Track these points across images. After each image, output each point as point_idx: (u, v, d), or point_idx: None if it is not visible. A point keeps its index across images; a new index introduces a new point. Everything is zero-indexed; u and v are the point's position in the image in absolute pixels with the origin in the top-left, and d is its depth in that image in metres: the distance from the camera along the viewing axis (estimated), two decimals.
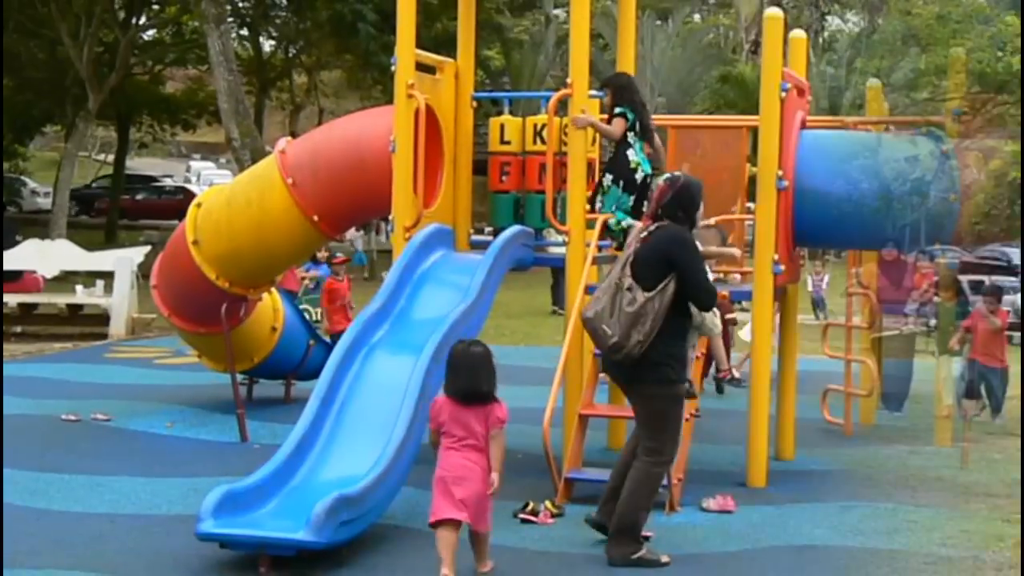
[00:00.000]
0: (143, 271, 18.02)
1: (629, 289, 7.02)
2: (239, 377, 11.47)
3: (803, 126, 9.57)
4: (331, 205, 10.35)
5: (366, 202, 10.38)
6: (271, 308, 12.10)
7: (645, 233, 7.24)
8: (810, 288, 22.76)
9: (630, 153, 9.31)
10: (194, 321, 11.48)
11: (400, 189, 9.37)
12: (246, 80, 39.67)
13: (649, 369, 7.04)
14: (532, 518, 7.91)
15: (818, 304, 22.73)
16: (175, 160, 69.97)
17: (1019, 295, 16.73)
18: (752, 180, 9.68)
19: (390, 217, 9.70)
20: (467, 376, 6.80)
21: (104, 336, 18.32)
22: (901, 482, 9.23)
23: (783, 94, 9.01)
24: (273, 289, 12.06)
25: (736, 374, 12.36)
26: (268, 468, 7.33)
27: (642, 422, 7.28)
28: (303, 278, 16.16)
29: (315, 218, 10.36)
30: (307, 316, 13.88)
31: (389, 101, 9.85)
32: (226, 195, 11.02)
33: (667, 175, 7.60)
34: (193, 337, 11.94)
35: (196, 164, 64.39)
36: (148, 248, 21.41)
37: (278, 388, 12.71)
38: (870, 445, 10.82)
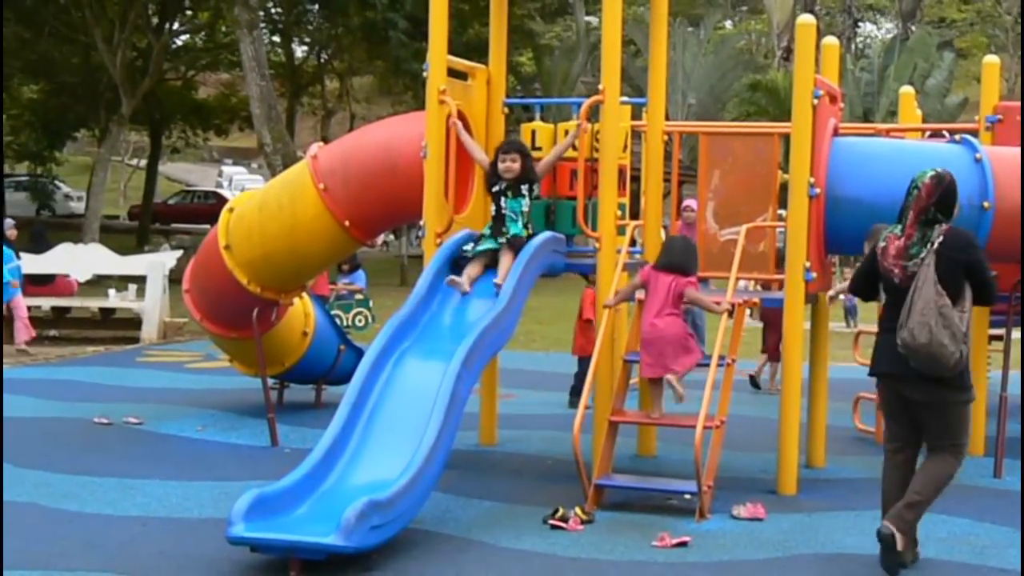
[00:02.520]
0: (175, 275, 18.11)
1: (947, 306, 6.84)
2: (270, 381, 11.50)
3: (835, 133, 9.53)
4: (362, 210, 10.37)
5: (397, 208, 10.40)
6: (302, 313, 12.14)
7: (932, 244, 7.00)
8: (842, 296, 22.68)
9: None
10: (226, 325, 11.52)
11: (431, 195, 9.39)
12: (278, 85, 39.87)
13: (958, 377, 6.99)
14: (562, 524, 7.90)
15: (850, 312, 22.65)
16: (207, 165, 70.26)
17: None
18: (783, 187, 9.65)
19: (420, 223, 9.72)
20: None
21: (136, 340, 18.42)
22: None
23: (815, 101, 8.98)
24: (304, 294, 12.10)
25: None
26: (299, 472, 7.35)
27: (944, 428, 7.09)
28: (338, 289, 16.26)
29: (346, 223, 10.38)
30: (338, 321, 13.91)
31: (420, 107, 9.87)
32: (258, 200, 11.06)
33: (931, 172, 7.15)
34: (224, 341, 11.99)
35: (228, 169, 64.64)
36: (180, 252, 21.53)
37: (309, 393, 12.74)
38: None
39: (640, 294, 9.03)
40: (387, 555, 7.06)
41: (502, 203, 9.20)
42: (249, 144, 56.17)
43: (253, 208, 10.96)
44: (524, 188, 9.18)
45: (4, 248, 16.63)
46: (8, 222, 17.45)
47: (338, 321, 13.99)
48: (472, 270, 8.96)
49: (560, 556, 7.31)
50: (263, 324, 11.09)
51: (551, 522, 7.94)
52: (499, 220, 9.17)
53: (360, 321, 16.28)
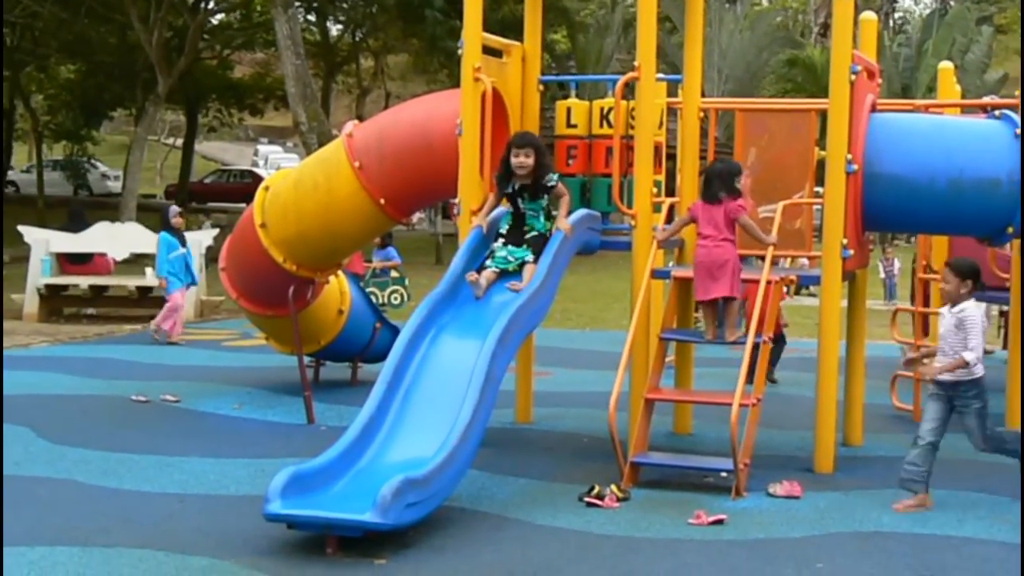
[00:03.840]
0: (212, 254, 18.18)
1: None
2: (306, 359, 11.54)
3: (873, 109, 9.46)
4: (397, 188, 10.38)
5: (432, 185, 10.40)
6: (338, 291, 12.17)
7: None
8: (881, 274, 22.59)
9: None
10: (262, 304, 11.56)
11: (467, 172, 9.38)
12: (313, 64, 39.91)
13: None
14: (598, 502, 7.90)
15: (889, 289, 22.56)
16: (243, 144, 70.55)
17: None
18: (820, 164, 9.59)
19: (456, 200, 9.71)
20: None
21: None
22: (971, 469, 9.10)
23: (853, 77, 8.91)
24: (340, 272, 12.12)
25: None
26: (335, 450, 7.37)
27: None
28: (374, 267, 16.26)
29: (381, 201, 10.38)
30: (374, 299, 13.93)
31: (455, 85, 9.85)
32: (293, 179, 11.08)
33: None
34: (261, 319, 12.03)
35: (263, 148, 64.91)
36: (216, 231, 21.60)
37: (345, 371, 12.78)
38: None
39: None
40: (423, 532, 7.07)
41: (520, 204, 8.94)
42: (284, 123, 56.36)
43: (288, 187, 10.98)
44: (541, 191, 8.89)
45: (171, 236, 16.18)
46: (173, 209, 16.88)
47: (373, 299, 14.01)
48: (491, 274, 8.70)
49: (596, 534, 7.31)
50: (299, 302, 11.12)
51: (587, 500, 7.94)
52: (518, 218, 8.93)
53: (396, 299, 16.28)
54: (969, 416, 7.88)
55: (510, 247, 8.81)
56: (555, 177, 8.93)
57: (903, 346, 8.50)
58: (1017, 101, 10.39)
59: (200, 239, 19.80)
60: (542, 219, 8.91)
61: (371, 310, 12.73)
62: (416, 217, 31.62)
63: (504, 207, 9.19)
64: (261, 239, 10.91)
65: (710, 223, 8.82)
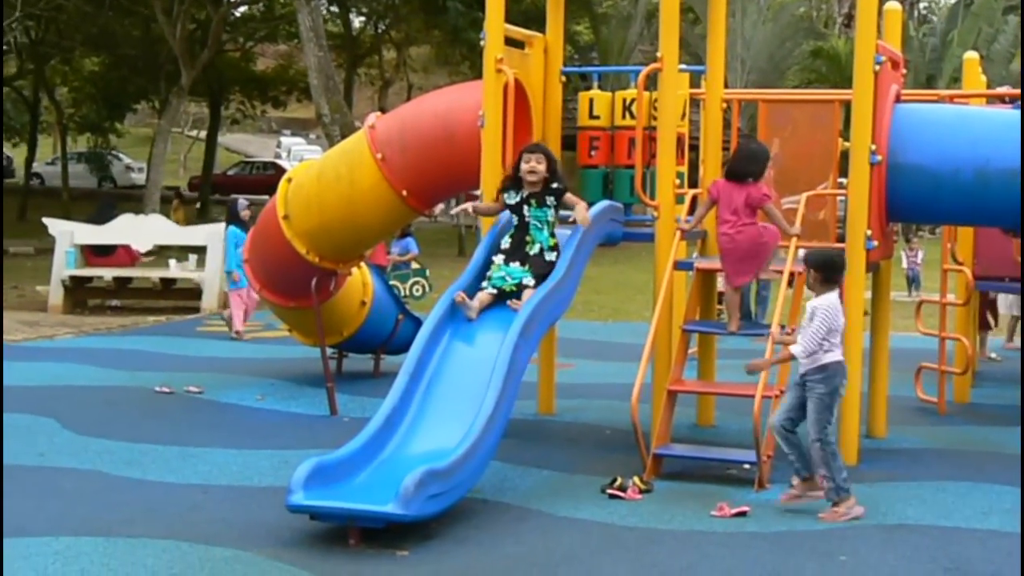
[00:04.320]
0: None
1: None
2: (329, 351, 11.56)
3: (897, 100, 9.41)
4: (420, 180, 10.38)
5: (455, 177, 10.40)
6: (360, 283, 12.18)
7: None
8: (904, 265, 22.50)
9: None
10: (285, 295, 11.59)
11: (489, 164, 9.37)
12: (336, 56, 39.93)
13: None
14: (620, 494, 7.89)
15: (913, 280, 22.46)
16: (266, 136, 70.68)
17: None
18: (844, 155, 9.55)
19: (478, 192, 9.70)
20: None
21: (197, 310, 18.57)
22: (996, 462, 9.07)
23: (877, 67, 8.86)
24: (362, 264, 12.13)
25: None
26: (358, 441, 7.38)
27: None
28: (395, 260, 16.27)
29: (404, 193, 10.39)
30: (396, 291, 13.94)
31: (478, 76, 9.85)
32: (316, 170, 11.09)
33: None
34: (284, 311, 12.05)
35: (286, 140, 65.00)
36: None
37: (367, 362, 12.79)
38: (964, 424, 10.66)
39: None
40: (446, 524, 7.08)
41: (525, 212, 8.61)
42: (307, 115, 56.45)
43: (311, 178, 10.99)
44: (550, 199, 8.59)
45: (240, 230, 15.77)
46: (242, 202, 16.68)
47: (396, 291, 14.01)
48: (483, 299, 8.37)
49: (618, 525, 7.30)
50: (322, 294, 11.14)
51: (609, 491, 7.93)
52: (522, 230, 8.62)
53: (417, 291, 16.28)
54: (811, 400, 7.67)
55: (510, 266, 8.53)
56: (562, 186, 8.64)
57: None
58: None
59: (223, 231, 19.84)
60: (546, 232, 8.59)
61: (394, 302, 12.74)
62: (438, 208, 31.63)
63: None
64: (284, 231, 10.92)
65: (729, 207, 8.77)
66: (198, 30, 38.32)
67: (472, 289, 8.47)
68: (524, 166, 8.58)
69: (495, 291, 8.43)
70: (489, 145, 9.34)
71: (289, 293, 11.48)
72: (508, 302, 8.36)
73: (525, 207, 8.61)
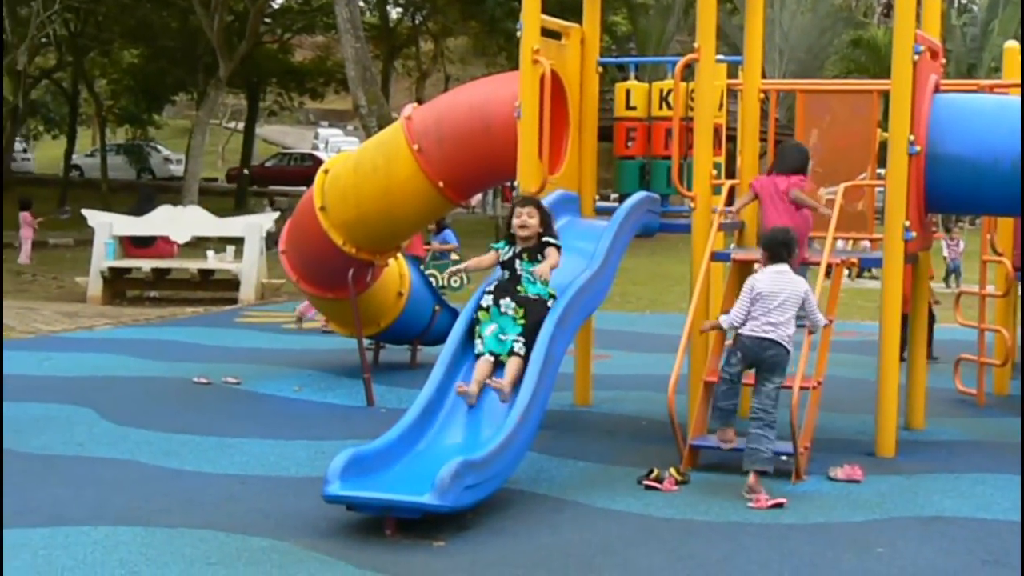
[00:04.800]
0: (272, 237, 18.29)
1: None
2: (366, 342, 11.59)
3: (936, 90, 9.35)
4: (456, 171, 10.38)
5: (491, 168, 10.40)
6: (397, 274, 12.20)
7: None
8: (945, 254, 22.36)
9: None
10: (322, 286, 11.62)
11: (525, 155, 9.36)
12: (373, 47, 40.00)
13: None
14: (656, 485, 7.88)
15: (953, 271, 22.32)
16: (303, 127, 70.89)
17: None
18: (883, 145, 9.49)
19: (514, 183, 9.70)
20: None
21: (234, 301, 18.67)
22: None
23: (916, 57, 8.80)
24: (399, 255, 12.15)
25: None
26: (394, 432, 7.39)
27: None
28: (433, 249, 16.29)
29: (440, 184, 10.39)
30: (433, 282, 13.96)
31: (514, 67, 9.84)
32: (353, 161, 11.11)
33: None
34: (321, 302, 12.09)
35: (324, 131, 65.20)
36: (277, 215, 21.74)
37: (404, 353, 12.82)
38: (1004, 416, 10.59)
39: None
40: (482, 514, 7.08)
41: (516, 266, 8.09)
42: (344, 106, 56.51)
43: (348, 169, 11.01)
44: (540, 255, 8.06)
45: None
46: None
47: (433, 281, 14.03)
48: (481, 372, 7.79)
49: (655, 517, 7.29)
50: (359, 285, 11.16)
51: (645, 483, 7.92)
52: (513, 280, 8.08)
53: (455, 281, 16.30)
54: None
55: (500, 306, 7.94)
56: (556, 242, 8.15)
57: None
58: None
59: (261, 222, 19.96)
60: (539, 285, 8.03)
61: (430, 293, 12.75)
62: (475, 200, 31.64)
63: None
64: (321, 222, 10.95)
65: (772, 201, 8.94)
66: (236, 22, 38.43)
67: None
68: (515, 220, 8.11)
69: (492, 359, 7.86)
70: (526, 137, 9.34)
71: (326, 284, 11.51)
72: (491, 383, 7.67)
73: (517, 261, 8.13)
